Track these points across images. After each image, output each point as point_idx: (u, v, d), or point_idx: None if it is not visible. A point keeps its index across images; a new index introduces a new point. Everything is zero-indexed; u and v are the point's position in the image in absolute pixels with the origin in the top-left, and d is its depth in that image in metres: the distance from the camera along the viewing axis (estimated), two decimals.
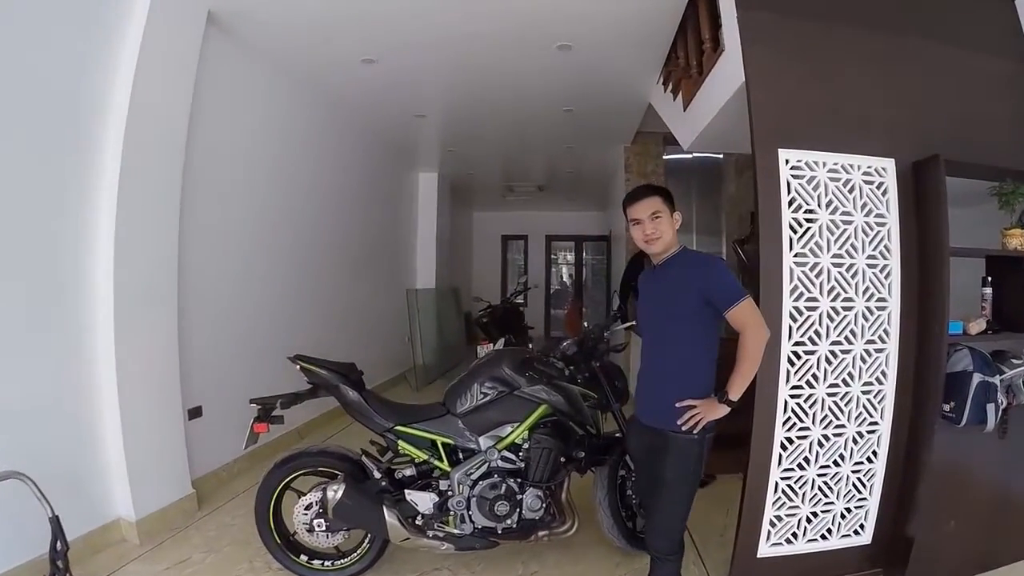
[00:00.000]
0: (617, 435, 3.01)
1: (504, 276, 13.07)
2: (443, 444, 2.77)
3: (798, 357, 2.60)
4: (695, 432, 2.12)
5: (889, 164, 2.74)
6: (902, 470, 2.79)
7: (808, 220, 2.61)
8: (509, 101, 5.46)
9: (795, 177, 2.61)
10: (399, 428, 2.75)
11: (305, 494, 2.75)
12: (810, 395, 2.63)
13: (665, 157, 6.95)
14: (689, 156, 7.05)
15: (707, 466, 2.25)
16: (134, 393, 3.15)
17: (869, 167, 2.72)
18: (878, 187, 2.73)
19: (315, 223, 5.46)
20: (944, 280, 2.62)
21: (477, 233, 12.88)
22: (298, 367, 2.76)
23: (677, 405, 2.14)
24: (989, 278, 2.88)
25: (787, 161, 2.60)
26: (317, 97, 5.21)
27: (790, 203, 2.59)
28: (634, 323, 2.67)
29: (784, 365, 2.57)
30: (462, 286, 10.49)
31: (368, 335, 6.74)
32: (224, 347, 4.11)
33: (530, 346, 3.23)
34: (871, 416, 2.73)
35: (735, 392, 2.10)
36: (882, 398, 2.73)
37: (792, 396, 2.61)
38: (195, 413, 3.77)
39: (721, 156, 6.99)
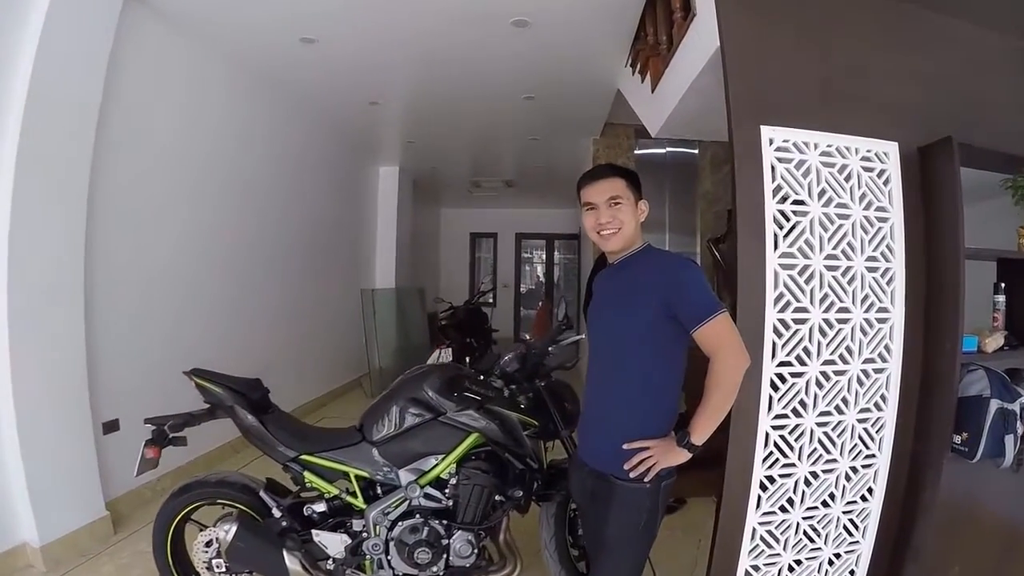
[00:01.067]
0: (565, 465, 2.53)
1: (473, 275, 12.58)
2: (357, 477, 2.36)
3: (783, 380, 2.14)
4: (646, 480, 1.69)
5: (892, 148, 2.31)
6: (900, 509, 2.36)
7: (797, 213, 2.15)
8: (467, 87, 5.02)
9: (781, 161, 2.15)
10: (305, 458, 2.34)
11: (205, 528, 2.39)
12: (797, 425, 2.17)
13: (637, 152, 6.52)
14: (663, 151, 6.65)
15: (673, 493, 1.83)
16: (34, 405, 2.87)
17: (869, 151, 2.28)
18: (879, 175, 2.29)
19: (258, 217, 4.98)
20: (958, 287, 2.19)
21: (445, 231, 12.38)
22: (193, 383, 2.36)
23: (625, 446, 1.71)
24: (1003, 284, 2.47)
25: (771, 141, 2.14)
26: (257, 80, 4.73)
27: (775, 192, 2.13)
28: (582, 335, 2.22)
29: (766, 390, 2.11)
30: (429, 286, 9.98)
31: (320, 338, 6.31)
32: (145, 352, 3.71)
33: (468, 360, 2.69)
34: (867, 448, 2.29)
35: (699, 433, 1.67)
36: (881, 427, 2.29)
37: (775, 427, 2.15)
38: (111, 427, 3.42)
39: (696, 151, 6.59)
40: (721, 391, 1.64)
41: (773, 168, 2.13)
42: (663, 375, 1.74)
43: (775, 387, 2.12)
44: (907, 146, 2.32)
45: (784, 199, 2.14)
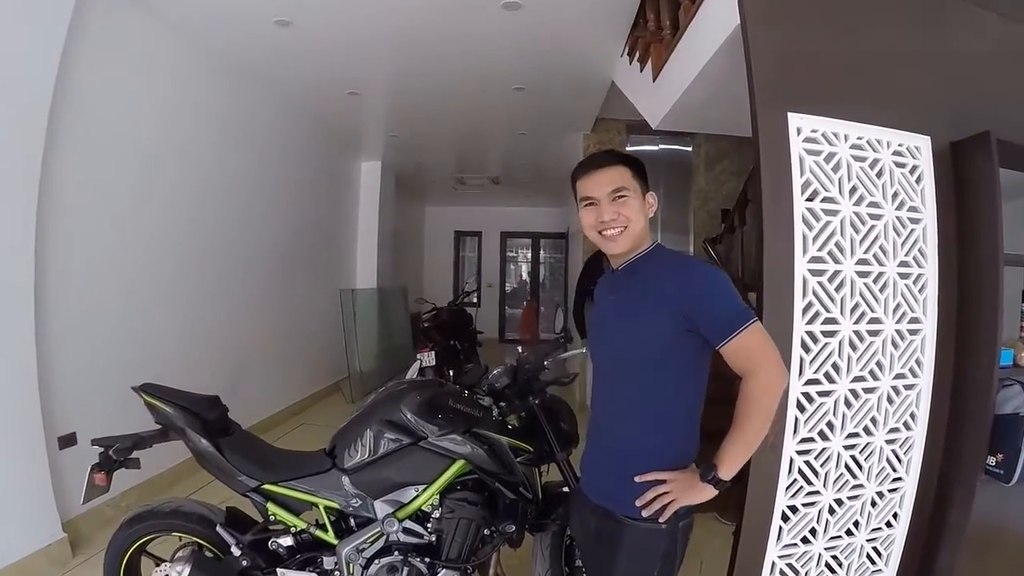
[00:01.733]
0: (564, 489, 2.28)
1: (458, 275, 12.25)
2: (327, 509, 2.08)
3: (810, 400, 1.92)
4: (661, 520, 1.42)
5: (924, 143, 2.11)
6: (925, 534, 2.16)
7: (827, 212, 1.92)
8: (453, 77, 4.72)
9: (809, 153, 1.93)
10: (268, 487, 2.04)
11: (161, 563, 2.10)
12: (823, 449, 1.95)
13: (628, 148, 6.29)
14: (655, 148, 6.44)
15: None
16: None
17: (900, 145, 2.08)
18: (911, 171, 2.08)
19: (232, 213, 4.68)
20: (996, 295, 2.00)
21: (429, 229, 12.06)
22: (142, 400, 2.05)
23: (637, 479, 1.44)
24: None
25: (799, 130, 1.92)
26: (229, 66, 4.40)
27: (803, 188, 1.90)
28: (583, 350, 1.97)
29: (792, 412, 1.88)
30: (412, 285, 9.69)
31: (297, 341, 5.97)
32: (106, 361, 3.38)
33: (451, 374, 2.40)
34: (895, 471, 2.08)
35: (728, 466, 1.39)
36: (909, 447, 2.09)
37: (800, 452, 1.92)
38: (67, 441, 3.10)
39: (690, 148, 6.40)
40: (755, 418, 1.36)
41: (802, 161, 1.90)
42: (683, 398, 1.46)
43: (802, 408, 1.90)
44: (939, 141, 2.12)
45: (813, 196, 1.91)
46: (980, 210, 2.06)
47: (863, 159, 2.00)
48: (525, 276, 12.72)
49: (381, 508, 2.05)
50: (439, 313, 7.06)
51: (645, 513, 1.42)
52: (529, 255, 12.62)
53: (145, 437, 2.03)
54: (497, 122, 6.05)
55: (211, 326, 4.40)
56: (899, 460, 2.08)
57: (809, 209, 1.90)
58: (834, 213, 1.93)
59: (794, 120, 1.91)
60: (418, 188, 10.04)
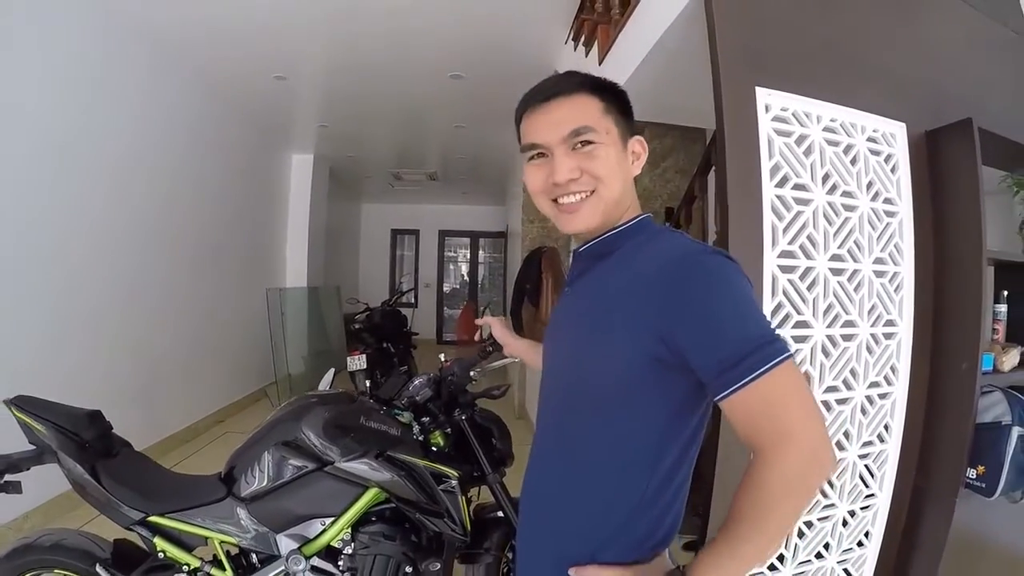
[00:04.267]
0: (498, 514, 2.02)
1: (394, 273, 11.84)
2: (223, 544, 1.81)
3: None
4: None
5: (899, 129, 1.94)
6: (897, 551, 1.97)
7: (798, 201, 1.70)
8: (386, 62, 4.42)
9: (779, 134, 1.70)
10: (155, 520, 1.77)
11: None
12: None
13: None
14: None
15: None
16: None
17: (875, 131, 1.88)
18: (886, 160, 1.90)
19: (148, 205, 4.23)
20: (979, 296, 1.82)
21: (365, 226, 11.60)
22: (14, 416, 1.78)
23: (572, 573, 0.94)
24: (1005, 292, 2.14)
25: (767, 107, 1.69)
26: (146, 45, 3.98)
27: (772, 172, 1.67)
28: (516, 358, 1.69)
29: None
30: (347, 285, 9.24)
31: (218, 343, 5.52)
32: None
33: (368, 384, 2.01)
34: (867, 487, 1.88)
35: (707, 571, 0.84)
36: (882, 462, 1.90)
37: None
38: None
39: None
40: (770, 522, 0.81)
41: (771, 142, 1.67)
42: (657, 460, 0.92)
43: None
44: (913, 129, 1.95)
45: (784, 182, 1.68)
46: (960, 204, 1.89)
47: (836, 144, 1.80)
48: (464, 276, 12.41)
49: (285, 543, 1.77)
50: (372, 314, 6.73)
51: None
52: (468, 255, 12.30)
53: (16, 460, 1.74)
54: (434, 112, 5.75)
55: (123, 327, 3.96)
56: (872, 475, 1.88)
57: (779, 197, 1.66)
58: (806, 202, 1.70)
59: (762, 95, 1.68)
60: (354, 184, 9.62)
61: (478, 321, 1.73)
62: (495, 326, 1.61)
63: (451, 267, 12.42)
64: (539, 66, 4.33)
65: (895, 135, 1.93)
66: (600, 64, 3.07)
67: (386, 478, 1.75)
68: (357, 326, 6.60)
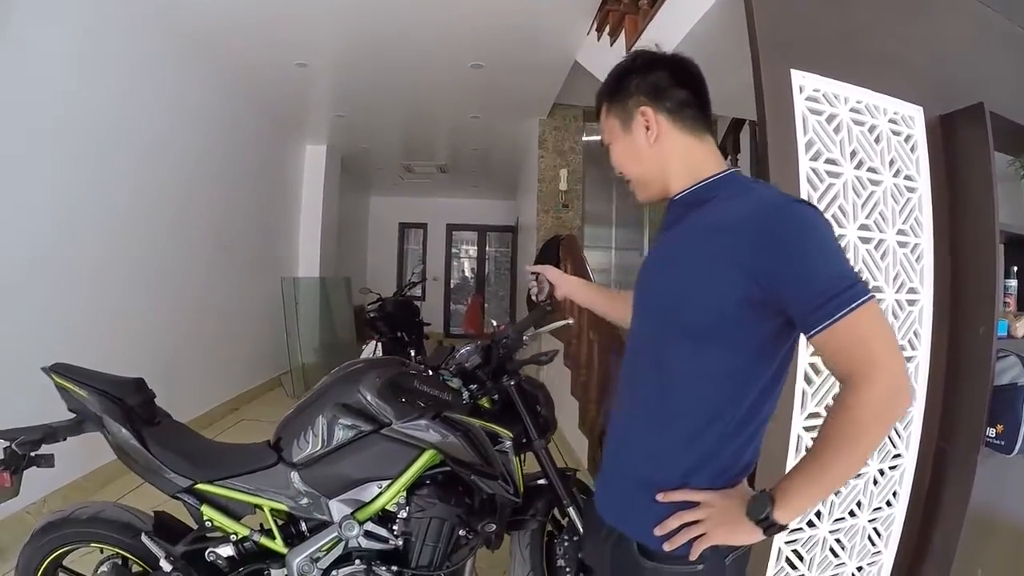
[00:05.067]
0: (540, 481, 2.06)
1: (401, 267, 11.91)
2: (273, 512, 1.78)
3: (817, 372, 1.82)
4: (691, 557, 1.02)
5: (917, 113, 2.07)
6: (923, 510, 2.10)
7: (830, 174, 1.83)
8: (408, 48, 4.46)
9: (812, 112, 1.83)
10: (202, 487, 1.73)
11: None
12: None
13: (584, 137, 6.20)
14: None
15: None
16: None
17: (896, 113, 2.01)
18: (906, 140, 2.02)
19: (169, 193, 4.31)
20: (992, 266, 1.95)
21: (373, 219, 11.68)
22: (53, 383, 1.74)
23: (660, 498, 1.05)
24: (1015, 268, 2.27)
25: (802, 88, 1.82)
26: (159, 28, 4.01)
27: (807, 147, 1.80)
28: (570, 320, 1.76)
29: (800, 385, 1.77)
30: (355, 276, 9.35)
31: (234, 332, 5.59)
32: (21, 347, 3.00)
33: (415, 357, 2.10)
34: (895, 447, 2.00)
35: (792, 506, 0.95)
36: (908, 423, 2.01)
37: (807, 428, 1.82)
38: None
39: None
40: (851, 448, 0.90)
41: (805, 120, 1.80)
42: (742, 395, 1.02)
43: (809, 380, 1.80)
44: (930, 113, 2.08)
45: (817, 157, 1.81)
46: (974, 183, 2.02)
47: (862, 123, 1.93)
48: (471, 270, 12.49)
49: (338, 509, 1.75)
50: (384, 304, 6.79)
51: (667, 547, 1.03)
52: (475, 250, 12.39)
53: (56, 428, 1.69)
54: (450, 102, 5.82)
55: (143, 313, 4.04)
56: (899, 436, 2.01)
57: (813, 169, 1.79)
58: (836, 176, 1.83)
59: (797, 77, 1.81)
60: (364, 176, 9.72)
61: (532, 268, 1.69)
62: (549, 271, 1.65)
63: (457, 262, 12.48)
64: (561, 56, 4.45)
65: (913, 118, 2.05)
66: (627, 53, 3.17)
67: (443, 439, 1.73)
68: (372, 314, 6.70)
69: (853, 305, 0.88)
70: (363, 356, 2.45)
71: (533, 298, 1.76)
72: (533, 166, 6.20)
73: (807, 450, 1.61)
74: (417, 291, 8.42)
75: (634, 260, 6.42)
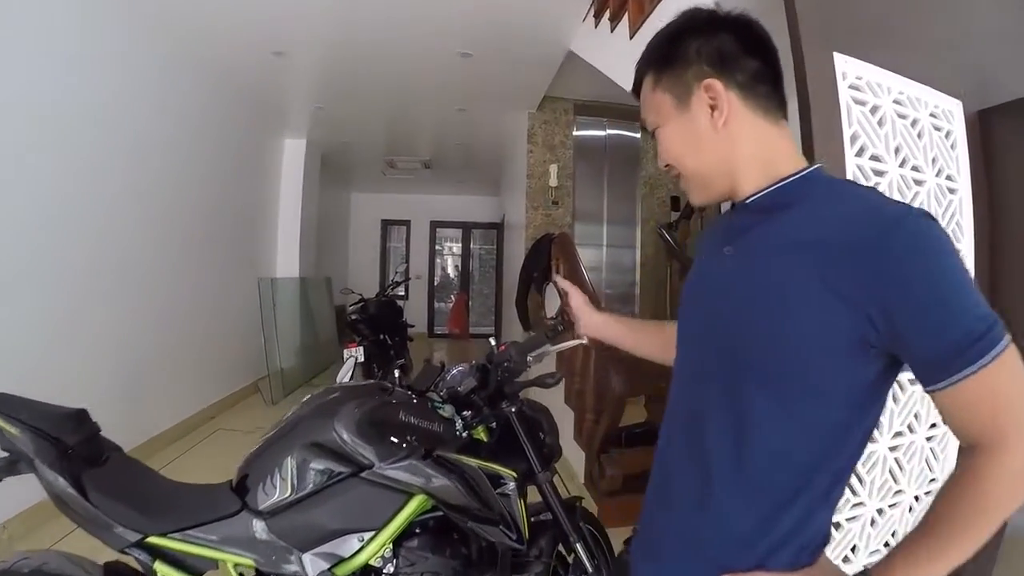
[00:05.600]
0: (544, 516, 1.83)
1: (384, 265, 11.61)
2: (238, 567, 1.52)
3: (903, 388, 1.62)
4: None
5: (956, 107, 1.88)
6: None
7: (875, 172, 1.64)
8: (393, 33, 4.21)
9: (856, 102, 1.63)
10: (154, 541, 1.45)
11: None
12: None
13: (575, 132, 5.99)
14: (602, 133, 6.21)
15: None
16: None
17: (936, 106, 1.83)
18: (946, 136, 1.83)
19: (135, 188, 3.99)
20: None
21: (354, 217, 11.38)
22: None
23: None
24: None
25: (844, 75, 1.62)
26: (130, 13, 3.71)
27: (852, 140, 1.60)
28: (584, 340, 1.53)
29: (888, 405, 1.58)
30: (336, 276, 9.08)
31: (208, 336, 5.27)
32: None
33: (397, 375, 1.84)
34: (931, 471, 1.82)
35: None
36: (945, 445, 1.83)
37: (892, 448, 1.62)
38: None
39: (639, 135, 6.21)
40: (980, 520, 0.71)
41: (849, 110, 1.60)
42: (834, 451, 0.81)
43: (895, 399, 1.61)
44: (968, 107, 1.90)
45: (861, 152, 1.62)
46: (1014, 184, 1.86)
47: (904, 116, 1.74)
48: (455, 268, 12.26)
49: (313, 564, 1.49)
50: (367, 305, 6.52)
51: None
52: (458, 247, 12.14)
53: None
54: (436, 93, 5.57)
55: (108, 318, 3.74)
56: (935, 458, 1.83)
57: (859, 166, 1.60)
58: (882, 174, 1.64)
59: (840, 61, 1.61)
60: (344, 172, 9.43)
61: (562, 283, 1.41)
62: (573, 295, 1.37)
63: (441, 259, 12.23)
64: (554, 45, 4.24)
65: (952, 112, 1.87)
66: (631, 38, 2.97)
67: (435, 483, 1.49)
68: (353, 317, 6.42)
69: (992, 354, 0.68)
70: (343, 371, 2.14)
71: (544, 314, 1.55)
72: (521, 161, 5.99)
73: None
74: (400, 290, 8.17)
75: (626, 258, 6.23)
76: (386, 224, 11.68)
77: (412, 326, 7.42)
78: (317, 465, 1.47)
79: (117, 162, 3.78)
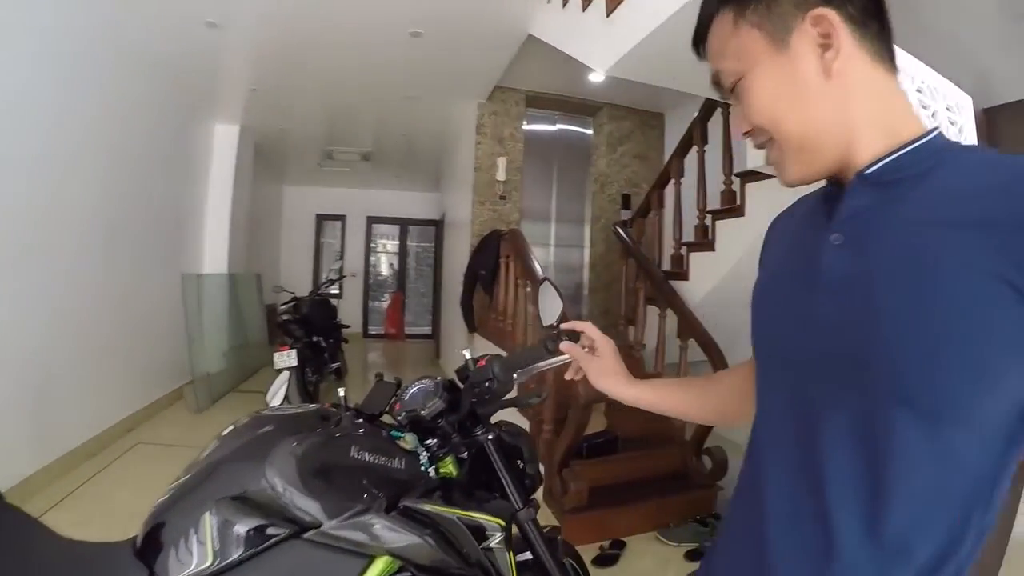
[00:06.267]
0: (524, 556, 1.46)
1: (317, 263, 11.07)
2: None
3: None
4: None
5: (967, 102, 1.76)
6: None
7: None
8: (337, 10, 3.85)
9: None
10: None
11: None
12: None
13: (525, 125, 5.76)
14: (552, 128, 6.01)
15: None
16: None
17: (952, 100, 1.69)
18: (959, 132, 1.70)
19: (32, 170, 3.42)
20: None
21: (287, 211, 10.78)
22: None
23: None
24: None
25: None
26: None
27: None
28: (569, 357, 1.21)
29: None
30: (267, 273, 8.55)
31: (128, 337, 4.72)
32: None
33: (342, 395, 1.46)
34: None
35: None
36: None
37: None
38: None
39: (591, 131, 6.05)
40: None
41: None
42: (988, 499, 0.62)
43: None
44: (976, 104, 1.79)
45: None
46: None
47: (926, 107, 1.58)
48: (389, 266, 11.83)
49: None
50: (299, 304, 6.09)
51: None
52: (396, 243, 11.71)
53: None
54: (383, 77, 5.16)
55: (9, 323, 3.23)
56: None
57: None
58: None
59: None
60: (279, 163, 8.89)
61: (580, 327, 1.13)
62: (602, 344, 1.10)
63: (375, 257, 11.75)
64: (513, 26, 3.96)
65: (964, 107, 1.75)
66: (608, 16, 2.73)
67: (403, 542, 1.11)
68: (284, 317, 5.96)
69: None
70: (274, 387, 1.63)
71: (541, 319, 1.27)
72: (469, 154, 5.72)
73: None
74: (334, 289, 7.75)
75: (575, 258, 6.05)
76: (320, 219, 11.14)
77: (347, 326, 7.04)
78: (244, 525, 1.04)
79: (19, 147, 3.27)
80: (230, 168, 6.63)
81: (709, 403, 1.00)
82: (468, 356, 1.47)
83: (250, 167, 7.18)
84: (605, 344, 1.09)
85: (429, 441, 1.36)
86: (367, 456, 1.20)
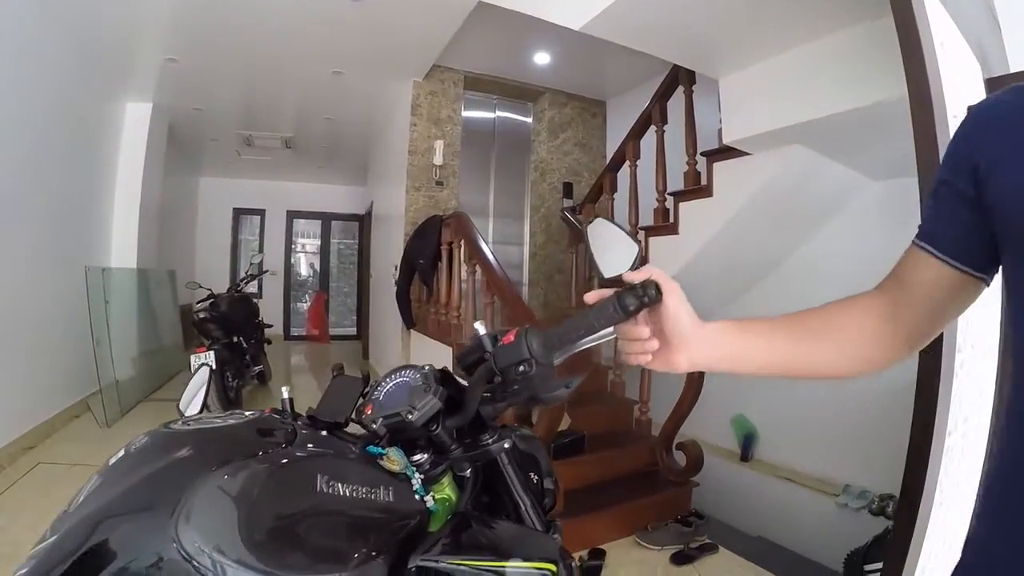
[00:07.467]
0: None
1: (235, 259, 10.40)
2: None
3: None
4: None
5: (976, 72, 1.68)
6: None
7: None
8: None
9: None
10: None
11: None
12: None
13: (464, 114, 5.50)
14: (491, 116, 5.81)
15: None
16: None
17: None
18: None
19: None
20: None
21: (203, 203, 10.04)
22: None
23: None
24: None
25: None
26: None
27: None
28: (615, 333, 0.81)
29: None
30: (181, 269, 7.91)
31: (25, 342, 4.13)
32: None
33: (286, 395, 1.01)
34: None
35: None
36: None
37: None
38: None
39: (530, 119, 5.92)
40: None
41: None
42: None
43: None
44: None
45: None
46: None
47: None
48: (309, 266, 11.27)
49: None
50: (217, 301, 5.61)
51: None
52: (319, 241, 11.18)
53: None
54: (312, 47, 4.73)
55: None
56: None
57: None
58: None
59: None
60: (194, 151, 8.24)
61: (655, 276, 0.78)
62: (670, 294, 0.78)
63: (295, 256, 11.17)
64: None
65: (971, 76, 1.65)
66: None
67: None
68: (201, 315, 5.47)
69: None
70: (190, 388, 1.06)
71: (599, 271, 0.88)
72: (403, 136, 5.40)
73: None
74: (253, 286, 7.25)
75: (513, 256, 5.83)
76: (238, 213, 10.47)
77: (270, 326, 6.59)
78: None
79: None
80: (140, 151, 6.03)
81: (826, 352, 0.77)
82: (481, 330, 0.97)
83: (163, 151, 6.57)
84: (675, 289, 0.78)
85: (417, 457, 0.95)
86: (341, 488, 0.77)
